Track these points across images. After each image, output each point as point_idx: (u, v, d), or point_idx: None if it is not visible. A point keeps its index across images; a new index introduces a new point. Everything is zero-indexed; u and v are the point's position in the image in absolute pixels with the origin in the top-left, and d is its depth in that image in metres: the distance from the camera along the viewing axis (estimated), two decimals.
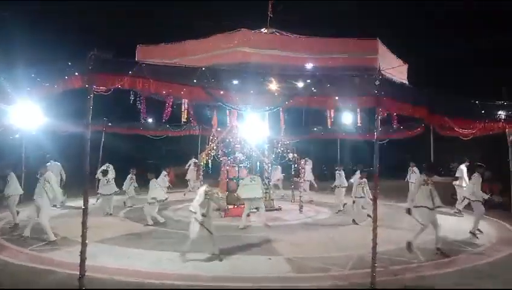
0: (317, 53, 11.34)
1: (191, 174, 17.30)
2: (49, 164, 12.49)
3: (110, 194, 12.13)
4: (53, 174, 9.61)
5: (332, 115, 16.50)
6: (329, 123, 17.11)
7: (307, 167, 15.87)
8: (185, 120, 15.78)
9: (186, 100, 13.87)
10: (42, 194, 8.60)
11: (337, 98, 7.28)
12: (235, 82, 7.38)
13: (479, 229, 9.50)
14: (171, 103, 13.57)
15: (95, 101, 5.99)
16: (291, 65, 10.99)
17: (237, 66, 10.22)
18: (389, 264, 7.04)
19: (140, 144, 22.49)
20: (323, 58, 11.27)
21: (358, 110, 13.63)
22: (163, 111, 13.87)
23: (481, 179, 9.78)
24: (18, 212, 10.04)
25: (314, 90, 7.07)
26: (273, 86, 7.44)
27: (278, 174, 16.70)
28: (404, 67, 13.13)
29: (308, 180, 15.84)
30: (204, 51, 11.43)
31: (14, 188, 9.93)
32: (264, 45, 11.27)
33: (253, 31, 11.68)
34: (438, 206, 8.01)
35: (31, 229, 8.74)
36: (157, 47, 12.36)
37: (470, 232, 9.41)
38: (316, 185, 16.78)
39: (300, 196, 13.20)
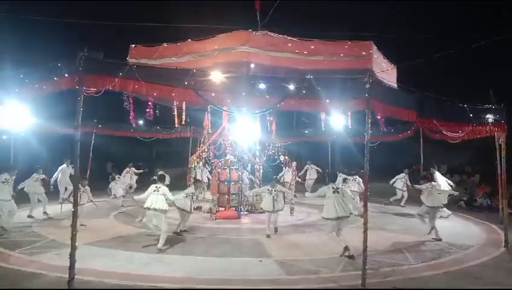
0: (310, 55, 11.30)
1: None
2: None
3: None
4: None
5: (324, 118, 16.48)
6: (322, 125, 17.10)
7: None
8: (178, 124, 15.54)
9: (183, 103, 13.69)
10: None
11: (328, 100, 7.28)
12: (227, 84, 7.34)
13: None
14: (152, 104, 13.31)
15: (85, 102, 5.95)
16: (284, 66, 10.96)
17: (231, 67, 10.16)
18: (379, 266, 7.10)
19: (131, 145, 22.35)
20: (317, 60, 11.23)
21: (349, 113, 13.61)
22: (148, 111, 13.62)
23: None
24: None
25: (305, 93, 7.07)
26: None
27: None
28: (394, 70, 13.19)
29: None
30: (198, 52, 11.36)
31: None
32: (257, 46, 11.19)
33: (248, 31, 11.59)
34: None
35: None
36: (151, 48, 12.23)
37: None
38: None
39: (291, 199, 13.19)
